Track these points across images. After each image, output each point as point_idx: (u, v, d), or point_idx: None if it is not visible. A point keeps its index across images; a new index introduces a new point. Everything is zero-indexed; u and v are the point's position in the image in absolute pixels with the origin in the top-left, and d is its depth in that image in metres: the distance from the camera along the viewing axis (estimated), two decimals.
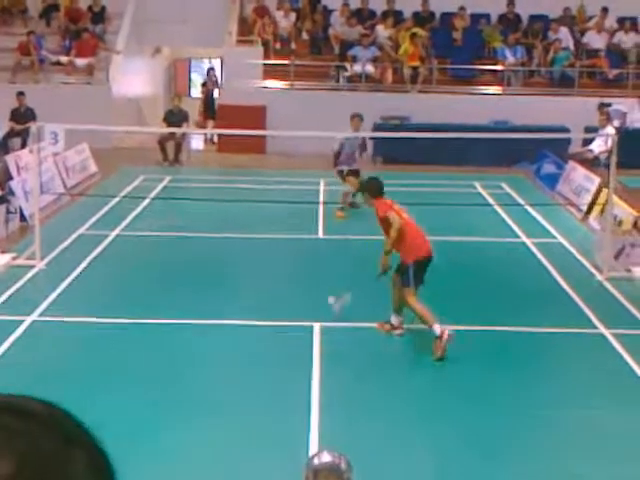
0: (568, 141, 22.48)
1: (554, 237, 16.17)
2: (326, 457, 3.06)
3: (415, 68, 26.48)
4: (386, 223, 10.75)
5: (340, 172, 18.12)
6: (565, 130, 22.18)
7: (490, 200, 19.23)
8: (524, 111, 24.48)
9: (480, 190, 20.48)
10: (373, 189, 11.16)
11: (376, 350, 10.52)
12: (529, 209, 17.94)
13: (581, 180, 19.08)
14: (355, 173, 17.92)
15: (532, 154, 22.27)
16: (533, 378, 9.88)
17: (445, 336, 10.10)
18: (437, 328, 10.19)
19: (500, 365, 10.21)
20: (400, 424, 8.67)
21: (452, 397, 9.30)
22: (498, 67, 27.14)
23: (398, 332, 10.94)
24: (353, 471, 3.12)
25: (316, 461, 3.04)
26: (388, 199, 11.08)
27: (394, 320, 10.97)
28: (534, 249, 15.29)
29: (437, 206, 16.79)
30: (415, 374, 9.95)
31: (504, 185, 21.01)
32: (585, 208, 17.75)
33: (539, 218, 17.44)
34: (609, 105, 21.47)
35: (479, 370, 10.02)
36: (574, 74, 26.60)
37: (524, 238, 16.04)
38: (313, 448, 7.88)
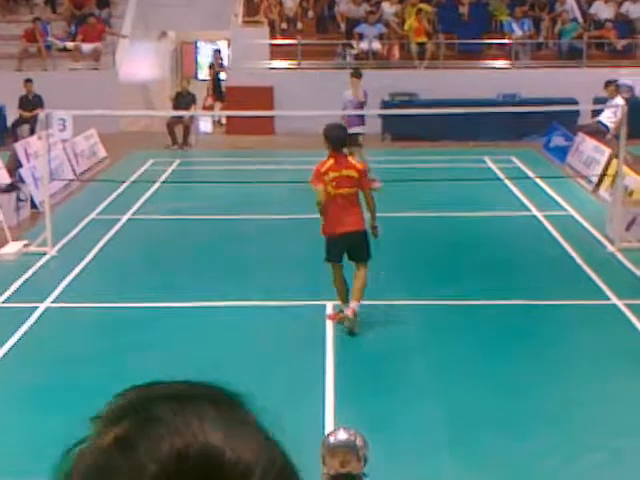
0: (577, 113, 22.39)
1: (565, 210, 16.13)
2: (342, 434, 3.08)
3: (422, 44, 26.38)
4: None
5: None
6: (574, 102, 22.08)
7: (500, 174, 19.18)
8: (532, 84, 24.36)
9: (490, 164, 20.43)
10: (330, 138, 10.31)
11: (390, 328, 10.52)
12: (539, 182, 17.89)
13: (591, 152, 19.01)
14: (356, 142, 17.48)
15: (541, 127, 22.20)
16: (547, 351, 9.87)
17: (349, 314, 10.17)
18: (346, 310, 10.25)
19: (513, 339, 10.21)
20: (415, 401, 8.68)
21: (466, 372, 9.30)
22: (505, 41, 26.99)
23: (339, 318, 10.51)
24: (369, 448, 3.14)
25: (332, 439, 3.06)
26: (341, 159, 10.26)
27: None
28: (545, 222, 15.26)
29: (447, 182, 16.76)
30: (429, 350, 9.95)
31: (514, 159, 20.96)
32: (595, 180, 17.68)
33: (549, 191, 17.39)
34: (615, 81, 21.34)
35: (492, 344, 10.02)
36: (582, 46, 26.44)
37: (535, 211, 16.00)
38: (329, 426, 7.91)
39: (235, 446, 1.00)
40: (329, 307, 10.81)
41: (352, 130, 17.54)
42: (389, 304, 11.13)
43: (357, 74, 18.10)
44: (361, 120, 17.98)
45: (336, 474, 2.94)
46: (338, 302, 10.54)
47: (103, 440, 1.02)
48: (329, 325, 10.49)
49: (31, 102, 22.78)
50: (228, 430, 1.02)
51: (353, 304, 10.18)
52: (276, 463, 1.04)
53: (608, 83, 20.99)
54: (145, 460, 0.98)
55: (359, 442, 3.07)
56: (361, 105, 17.93)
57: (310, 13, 28.27)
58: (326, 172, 10.15)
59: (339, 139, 10.37)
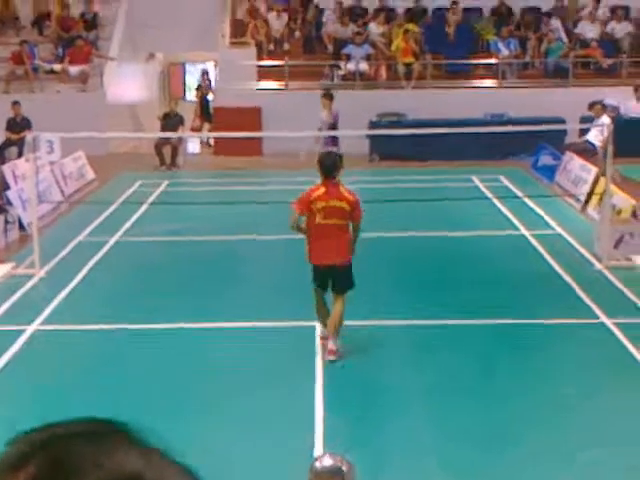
0: (564, 132, 22.47)
1: (553, 228, 16.17)
2: (328, 460, 3.07)
3: (409, 64, 26.46)
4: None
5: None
6: (561, 121, 22.15)
7: (488, 193, 19.23)
8: (520, 103, 24.45)
9: (478, 183, 20.48)
10: (321, 166, 10.06)
11: (377, 348, 10.51)
12: (527, 201, 17.93)
13: (578, 170, 19.07)
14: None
15: (529, 146, 22.26)
16: (535, 369, 9.89)
17: (330, 357, 9.99)
18: (326, 354, 10.06)
19: (501, 357, 10.22)
20: (405, 420, 8.67)
21: (456, 391, 9.30)
22: (492, 60, 27.11)
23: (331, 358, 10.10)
24: (355, 472, 3.13)
25: (318, 465, 3.05)
26: (332, 188, 9.89)
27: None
28: (533, 241, 15.29)
29: (435, 201, 16.79)
30: (420, 370, 9.95)
31: (502, 178, 21.01)
32: (583, 198, 17.74)
33: (538, 210, 17.43)
34: (601, 101, 21.45)
35: (481, 363, 10.02)
36: (568, 65, 26.58)
37: (523, 230, 16.03)
38: (318, 445, 7.90)
39: (157, 473, 1.01)
40: (318, 327, 10.78)
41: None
42: (375, 324, 11.13)
43: (327, 95, 18.19)
44: (334, 141, 17.89)
45: None
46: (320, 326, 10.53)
47: (18, 478, 0.99)
48: (318, 345, 10.47)
49: (19, 124, 22.75)
50: (145, 459, 1.02)
51: (330, 344, 10.00)
52: None
53: (593, 104, 21.08)
54: None
55: (345, 468, 3.07)
56: (333, 126, 17.97)
57: (297, 34, 28.36)
58: (314, 200, 9.88)
59: (330, 167, 10.00)
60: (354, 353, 10.12)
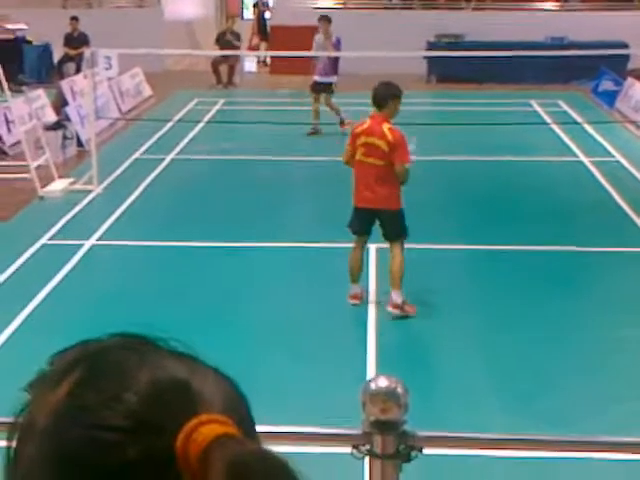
0: (627, 57, 22.02)
1: (612, 155, 15.94)
2: (383, 382, 3.09)
3: None
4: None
5: (314, 84, 17.45)
6: (624, 46, 21.70)
7: (547, 118, 18.97)
8: (582, 27, 23.95)
9: (537, 108, 20.21)
10: (372, 95, 9.26)
11: (433, 271, 10.51)
12: (587, 127, 17.68)
13: None
14: (322, 88, 17.33)
15: (590, 71, 21.87)
16: (589, 298, 9.84)
17: (350, 296, 9.48)
18: (351, 287, 9.51)
19: (558, 286, 10.16)
20: (455, 346, 8.70)
21: (507, 318, 9.29)
22: None
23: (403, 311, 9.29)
24: (409, 396, 3.16)
25: (373, 386, 3.07)
26: (376, 123, 9.03)
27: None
28: (592, 168, 15.10)
29: (493, 126, 16.61)
30: (471, 295, 9.94)
31: (561, 103, 20.71)
32: None
33: (597, 136, 17.19)
34: None
35: (536, 291, 9.98)
36: None
37: (582, 157, 15.84)
38: (371, 368, 7.97)
39: (199, 380, 1.02)
40: (372, 248, 10.74)
41: (324, 79, 17.31)
42: (429, 247, 11.10)
43: (323, 18, 17.41)
44: (334, 69, 17.48)
45: (376, 421, 2.96)
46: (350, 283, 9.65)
47: (61, 387, 1.01)
48: (372, 265, 10.45)
49: (76, 40, 22.79)
50: (190, 368, 1.04)
51: (393, 296, 9.21)
52: (237, 398, 1.07)
53: None
54: (120, 391, 0.98)
55: (400, 390, 3.08)
56: (334, 56, 17.29)
57: None
58: (359, 135, 9.14)
59: (375, 97, 9.16)
60: (407, 275, 10.11)
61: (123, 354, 1.03)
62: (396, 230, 9.23)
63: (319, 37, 17.19)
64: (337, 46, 17.76)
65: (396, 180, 9.07)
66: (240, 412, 1.05)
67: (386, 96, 9.12)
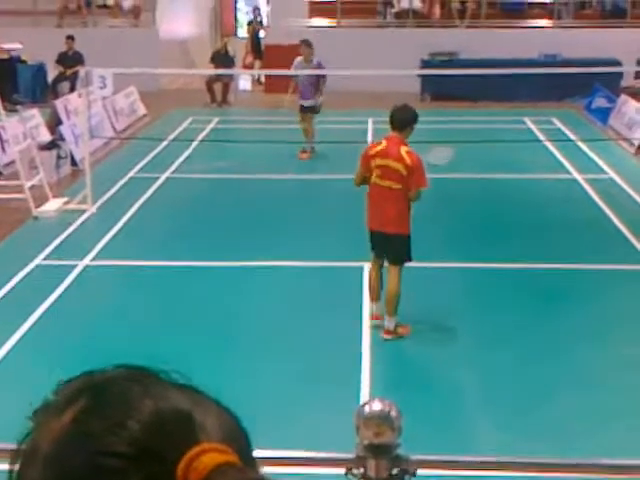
0: (620, 74, 22.11)
1: (606, 173, 15.98)
2: (376, 405, 3.09)
3: (463, 2, 26.11)
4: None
5: (301, 107, 17.39)
6: (617, 63, 21.79)
7: (540, 135, 19.03)
8: (575, 44, 24.05)
9: (530, 125, 20.27)
10: (391, 118, 9.17)
11: (428, 289, 10.50)
12: (580, 144, 17.73)
13: (633, 113, 18.79)
14: (309, 110, 17.25)
15: (583, 88, 21.94)
16: (584, 315, 9.84)
17: (370, 317, 9.43)
18: (371, 306, 9.50)
19: (550, 302, 10.17)
20: (449, 363, 8.70)
21: (501, 335, 9.29)
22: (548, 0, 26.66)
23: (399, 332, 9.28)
24: (403, 419, 3.16)
25: (366, 409, 3.07)
26: (394, 145, 8.94)
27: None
28: (586, 185, 15.14)
29: (487, 143, 16.65)
30: (465, 312, 9.94)
31: (555, 120, 20.78)
32: (638, 142, 17.49)
33: (590, 153, 17.23)
34: None
35: (529, 308, 9.99)
36: (626, 5, 26.05)
37: (575, 174, 15.88)
38: (365, 389, 7.97)
39: (201, 411, 1.04)
40: (366, 267, 10.74)
41: (308, 103, 17.21)
42: (424, 266, 11.09)
43: (304, 42, 17.13)
44: (316, 91, 17.23)
45: (370, 444, 2.96)
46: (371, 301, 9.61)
47: (66, 414, 1.02)
48: (366, 282, 10.45)
49: (71, 58, 22.83)
50: (192, 399, 1.06)
51: (386, 322, 9.18)
52: (238, 430, 1.08)
53: None
54: (124, 419, 0.99)
55: (393, 413, 3.08)
56: (316, 76, 17.07)
57: None
58: (374, 156, 8.98)
59: (395, 119, 9.06)
60: (403, 294, 10.10)
61: (127, 385, 1.04)
62: (402, 255, 9.17)
63: (299, 60, 17.13)
64: (320, 68, 17.36)
65: (408, 204, 9.00)
66: (240, 442, 1.06)
67: (409, 119, 9.04)
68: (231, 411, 1.10)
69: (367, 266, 10.49)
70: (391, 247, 9.15)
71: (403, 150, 8.87)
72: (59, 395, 1.06)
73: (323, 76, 17.34)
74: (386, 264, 9.38)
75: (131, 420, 0.99)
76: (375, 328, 9.32)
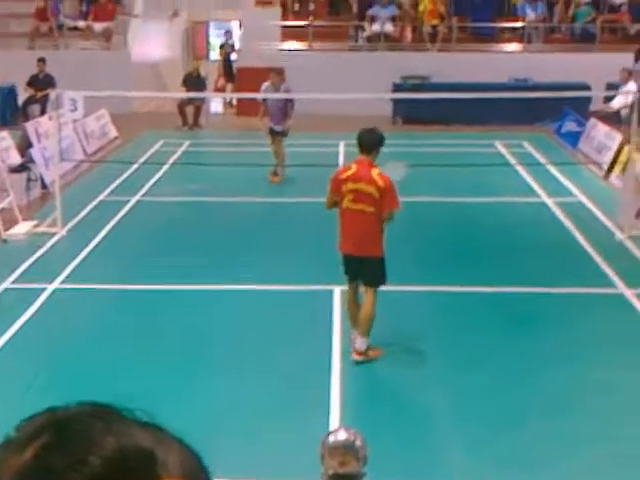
0: (589, 99, 22.28)
1: (575, 196, 16.08)
2: (342, 435, 3.08)
3: (435, 27, 26.27)
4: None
5: (270, 130, 17.39)
6: (586, 87, 21.97)
7: (511, 159, 19.13)
8: (545, 68, 24.26)
9: (501, 149, 20.37)
10: (358, 142, 9.19)
11: (397, 314, 10.50)
12: (550, 168, 17.83)
13: (602, 137, 18.93)
14: (278, 134, 17.30)
15: (553, 112, 22.09)
16: (553, 339, 9.87)
17: (355, 357, 9.17)
18: (356, 338, 9.23)
19: (520, 326, 10.20)
20: (419, 386, 8.70)
21: (471, 358, 9.30)
22: (518, 24, 26.85)
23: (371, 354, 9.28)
24: (368, 448, 3.15)
25: (332, 439, 3.06)
26: (364, 169, 8.97)
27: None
28: (555, 208, 15.22)
29: (458, 167, 16.71)
30: (435, 336, 9.95)
31: (525, 144, 20.90)
32: (607, 166, 17.61)
33: (560, 177, 17.34)
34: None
35: (499, 332, 10.01)
36: (595, 30, 26.30)
37: (545, 198, 15.96)
38: (335, 414, 7.93)
39: (163, 449, 1.04)
40: (337, 291, 10.77)
41: (277, 127, 17.19)
42: (393, 290, 11.09)
43: (275, 70, 17.26)
44: (285, 116, 17.25)
45: (334, 474, 2.94)
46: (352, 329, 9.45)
47: (27, 450, 1.01)
48: (337, 308, 10.45)
49: (42, 81, 22.74)
50: (155, 437, 1.05)
51: (357, 341, 9.14)
52: (200, 469, 1.09)
53: (624, 70, 20.96)
54: (86, 455, 0.99)
55: (358, 442, 3.07)
56: (284, 101, 17.14)
57: None
58: (345, 181, 8.99)
59: (363, 143, 9.11)
60: (379, 316, 10.09)
61: (90, 422, 1.04)
62: (377, 277, 9.20)
63: (266, 85, 17.12)
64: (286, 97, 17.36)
65: (381, 226, 9.03)
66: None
67: (376, 141, 9.13)
68: (193, 449, 1.09)
69: (337, 289, 10.53)
70: (366, 270, 9.13)
71: (374, 173, 8.95)
72: (20, 432, 1.05)
73: (291, 102, 17.36)
74: (361, 289, 9.38)
75: (93, 456, 0.98)
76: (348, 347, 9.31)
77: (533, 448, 7.51)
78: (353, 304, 9.37)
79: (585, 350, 9.68)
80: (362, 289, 9.35)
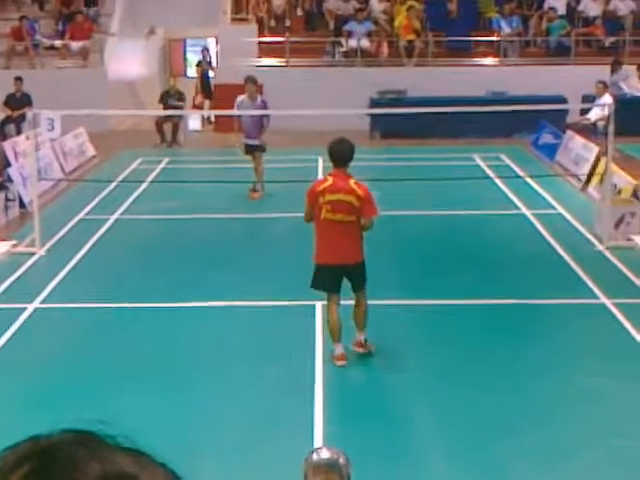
0: (566, 111, 22.41)
1: (554, 208, 16.15)
2: (325, 453, 3.07)
3: (411, 41, 26.38)
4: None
5: (245, 146, 17.22)
6: (562, 100, 22.10)
7: (489, 172, 19.20)
8: (521, 82, 24.38)
9: (479, 162, 20.45)
10: (331, 154, 9.33)
11: (378, 327, 10.50)
12: (528, 180, 17.91)
13: (579, 149, 19.04)
14: (256, 149, 17.20)
15: (530, 124, 22.20)
16: (535, 350, 9.89)
17: (337, 358, 9.40)
18: (336, 347, 9.44)
19: (501, 338, 10.23)
20: (401, 398, 8.69)
21: (453, 371, 9.31)
22: (494, 38, 27.01)
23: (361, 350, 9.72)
24: (351, 466, 3.14)
25: (315, 457, 3.05)
26: (341, 180, 9.12)
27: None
28: (534, 220, 15.28)
29: (436, 181, 16.76)
30: (417, 349, 9.96)
31: (503, 156, 20.98)
32: (584, 178, 17.71)
33: (538, 189, 17.41)
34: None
35: (480, 343, 10.04)
36: (570, 43, 26.49)
37: (524, 210, 16.02)
38: (318, 430, 7.92)
39: (147, 475, 1.04)
40: (318, 306, 10.75)
41: (252, 142, 16.96)
42: (374, 304, 11.09)
43: (249, 79, 17.07)
44: (260, 130, 17.13)
45: None
46: (334, 343, 9.51)
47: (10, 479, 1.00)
48: (319, 323, 10.45)
49: (19, 100, 22.67)
50: (139, 463, 1.05)
51: (359, 336, 9.58)
52: None
53: (599, 82, 21.09)
54: None
55: (342, 461, 3.06)
56: (260, 116, 16.92)
57: (299, 10, 28.25)
58: (322, 192, 9.08)
59: (338, 156, 9.21)
60: (353, 333, 10.09)
61: (73, 449, 1.03)
62: (363, 279, 9.47)
63: (242, 99, 17.01)
64: (262, 108, 17.19)
65: (361, 233, 9.27)
66: None
67: (349, 153, 9.26)
68: (177, 474, 1.09)
69: (319, 304, 10.51)
70: (355, 275, 9.40)
71: (352, 182, 9.15)
72: (3, 461, 1.04)
73: (267, 115, 17.28)
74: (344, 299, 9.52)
75: None
76: (330, 363, 9.31)
77: (517, 459, 7.53)
78: (338, 320, 9.39)
79: (567, 360, 9.71)
80: (352, 295, 9.56)
